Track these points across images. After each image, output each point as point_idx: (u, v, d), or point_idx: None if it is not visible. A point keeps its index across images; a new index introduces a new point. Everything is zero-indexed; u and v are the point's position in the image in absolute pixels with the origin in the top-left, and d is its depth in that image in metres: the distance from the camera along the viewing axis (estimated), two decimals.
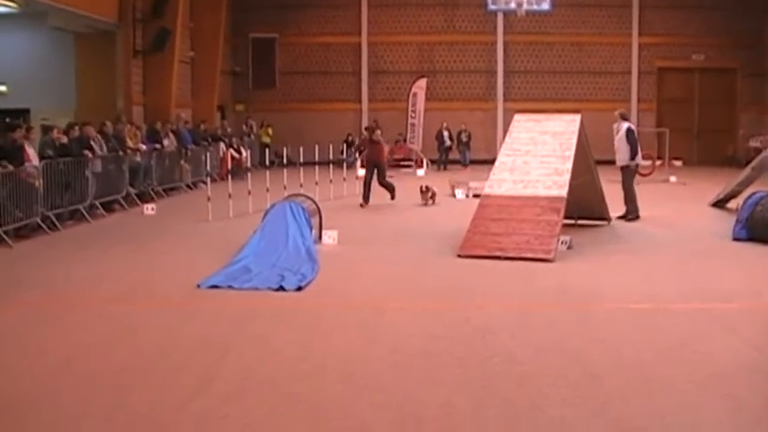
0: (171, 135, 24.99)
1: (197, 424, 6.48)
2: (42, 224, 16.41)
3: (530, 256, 12.86)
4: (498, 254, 13.00)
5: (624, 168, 17.77)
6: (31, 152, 16.48)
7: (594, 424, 6.34)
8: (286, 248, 12.88)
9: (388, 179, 21.49)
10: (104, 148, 19.88)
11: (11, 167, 15.24)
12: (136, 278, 11.95)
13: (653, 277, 11.81)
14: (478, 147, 33.90)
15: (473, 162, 32.18)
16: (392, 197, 21.13)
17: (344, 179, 23.12)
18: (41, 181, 16.36)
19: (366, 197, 20.65)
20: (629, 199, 17.59)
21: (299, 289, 11.04)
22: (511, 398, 6.94)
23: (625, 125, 17.95)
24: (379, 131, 21.93)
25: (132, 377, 7.63)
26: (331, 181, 21.80)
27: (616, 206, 17.12)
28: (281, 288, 11.00)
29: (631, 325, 9.31)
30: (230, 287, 11.14)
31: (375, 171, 20.76)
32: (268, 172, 20.24)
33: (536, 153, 14.77)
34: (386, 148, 21.51)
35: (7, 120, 18.38)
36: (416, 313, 9.90)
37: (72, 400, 7.08)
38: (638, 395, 7.00)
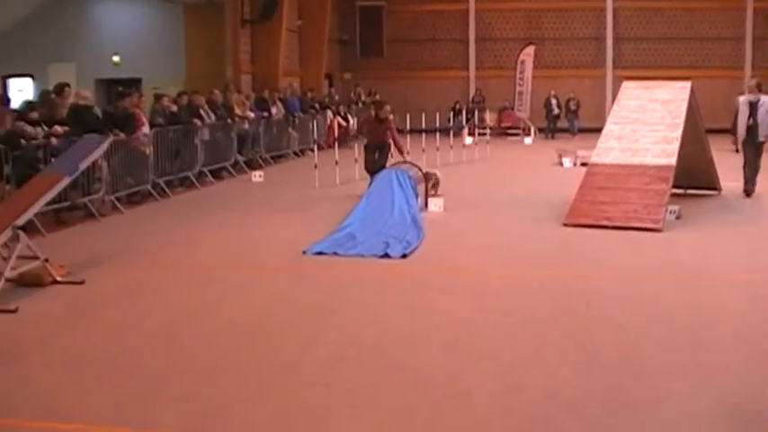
0: (279, 103, 25.19)
1: (299, 387, 6.54)
2: (153, 191, 16.78)
3: (637, 225, 12.64)
4: (605, 223, 12.81)
5: (762, 143, 16.73)
6: (144, 120, 16.80)
7: (701, 396, 6.21)
8: (392, 216, 12.91)
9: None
10: (213, 117, 20.15)
11: (123, 135, 15.55)
12: (243, 244, 12.12)
13: (763, 249, 11.49)
14: (587, 115, 33.31)
15: (581, 130, 31.67)
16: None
17: (451, 147, 23.01)
18: (152, 149, 16.68)
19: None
20: (755, 172, 16.70)
21: (404, 256, 11.06)
22: (615, 368, 6.84)
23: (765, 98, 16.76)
24: (388, 107, 17.30)
25: (238, 339, 7.77)
26: (438, 149, 21.70)
27: (727, 175, 16.65)
28: (387, 255, 11.04)
29: (740, 297, 9.08)
30: (335, 254, 11.23)
31: (377, 155, 16.71)
32: None
33: (645, 121, 14.47)
34: (394, 129, 17.12)
35: (120, 89, 18.70)
36: (522, 281, 9.83)
37: (180, 358, 7.25)
38: (745, 368, 6.84)
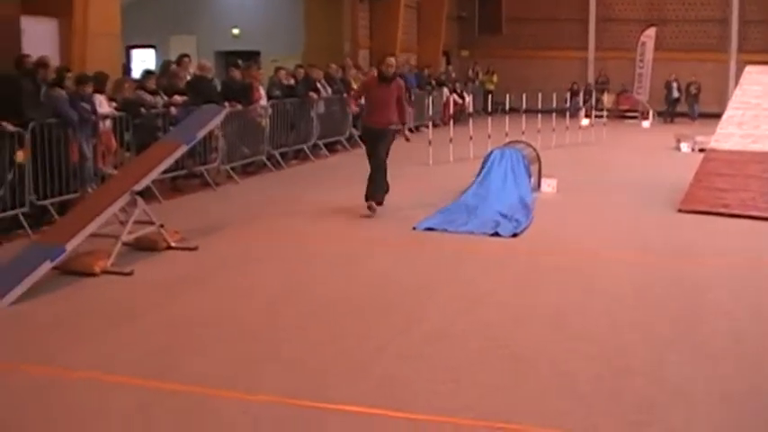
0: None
1: (402, 360, 6.60)
2: (267, 162, 17.01)
3: (755, 214, 12.28)
4: (722, 210, 12.49)
5: None
6: (261, 92, 17.01)
7: None
8: (503, 195, 12.84)
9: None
10: (329, 91, 20.29)
11: (240, 107, 15.77)
12: (354, 218, 12.19)
13: None
14: (708, 99, 32.43)
15: (701, 115, 30.88)
16: (375, 198, 12.40)
17: (567, 128, 22.74)
18: (268, 120, 16.89)
19: (376, 190, 12.43)
20: None
21: (515, 236, 11.00)
22: (723, 356, 6.70)
23: None
24: (392, 59, 12.64)
25: (346, 311, 7.85)
26: (554, 130, 21.45)
27: None
28: (496, 234, 10.99)
29: None
30: (445, 230, 11.23)
31: (377, 143, 12.40)
32: (490, 118, 20.14)
33: (767, 107, 14.06)
34: (405, 96, 12.94)
35: (239, 61, 18.97)
36: (632, 265, 9.69)
37: (289, 327, 7.38)
38: None
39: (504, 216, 11.81)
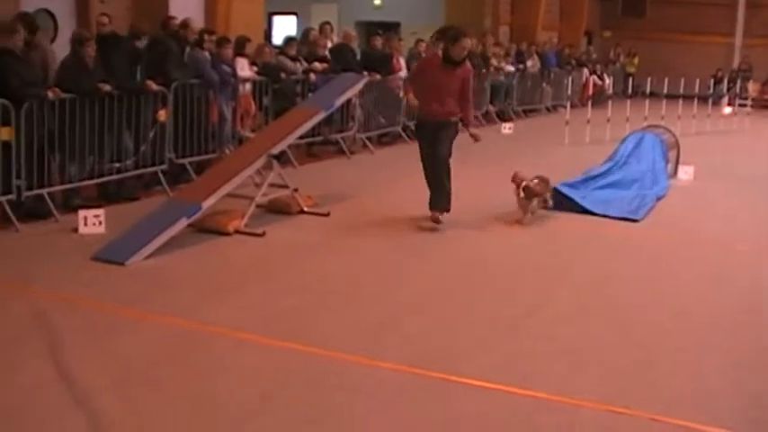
0: (535, 57, 24.94)
1: (528, 338, 6.57)
2: (403, 133, 17.01)
3: None
4: None
5: None
6: (401, 63, 17.03)
7: None
8: (638, 178, 12.55)
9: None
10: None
11: (379, 76, 15.81)
12: (484, 192, 12.10)
13: None
14: None
15: None
16: (440, 206, 10.05)
17: (708, 115, 22.12)
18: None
19: (439, 197, 10.08)
20: None
21: (642, 220, 10.75)
22: None
23: None
24: (468, 41, 10.17)
25: (472, 285, 7.85)
26: (694, 116, 20.89)
27: None
28: (627, 218, 10.77)
29: None
30: (571, 206, 11.05)
31: (438, 135, 10.03)
32: (629, 101, 19.71)
33: None
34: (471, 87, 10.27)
35: (379, 32, 19.02)
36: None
37: (415, 297, 7.40)
38: None
39: (636, 199, 11.59)
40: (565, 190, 11.23)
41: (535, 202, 10.36)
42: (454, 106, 9.99)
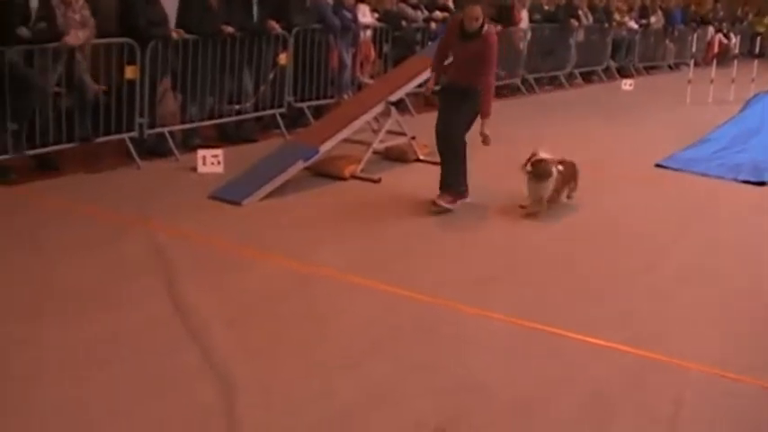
0: (659, 12, 24.35)
1: (643, 295, 6.48)
2: (522, 86, 16.88)
3: None
4: None
5: None
6: (523, 15, 16.81)
7: None
8: (757, 141, 12.13)
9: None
10: (591, 19, 19.82)
11: (499, 28, 15.63)
12: (602, 149, 11.92)
13: None
14: None
15: None
16: (445, 188, 8.42)
17: None
18: (526, 44, 16.70)
19: (446, 177, 8.48)
20: None
21: (762, 184, 10.41)
22: None
23: None
24: (477, 9, 8.10)
25: (586, 242, 7.76)
26: None
27: None
28: (747, 181, 10.45)
29: None
30: (690, 171, 10.80)
31: (458, 105, 8.41)
32: (756, 62, 19.08)
33: None
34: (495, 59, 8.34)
35: None
36: None
37: (532, 250, 7.36)
38: None
39: (752, 162, 11.19)
40: (669, 164, 11.04)
41: (550, 184, 8.30)
42: (477, 80, 8.22)
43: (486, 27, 8.16)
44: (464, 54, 8.31)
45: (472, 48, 8.16)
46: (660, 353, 5.39)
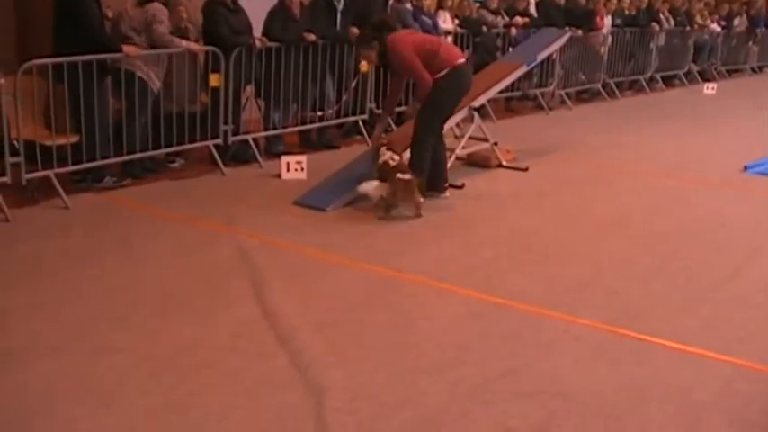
0: (743, 16, 23.96)
1: (726, 303, 6.36)
2: (602, 90, 16.75)
3: None
4: None
5: None
6: (605, 21, 16.69)
7: None
8: None
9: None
10: (672, 23, 19.58)
11: (581, 32, 15.54)
12: (686, 154, 11.79)
13: None
14: None
15: None
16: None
17: None
18: (606, 48, 16.57)
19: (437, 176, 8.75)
20: None
21: None
22: None
23: None
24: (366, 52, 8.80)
25: (672, 247, 7.65)
26: None
27: None
28: None
29: None
30: None
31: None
32: None
33: None
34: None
35: None
36: None
37: (615, 254, 7.27)
38: None
39: None
40: (757, 168, 10.85)
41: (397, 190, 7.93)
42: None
43: (386, 41, 8.27)
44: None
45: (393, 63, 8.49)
46: (749, 359, 5.31)
